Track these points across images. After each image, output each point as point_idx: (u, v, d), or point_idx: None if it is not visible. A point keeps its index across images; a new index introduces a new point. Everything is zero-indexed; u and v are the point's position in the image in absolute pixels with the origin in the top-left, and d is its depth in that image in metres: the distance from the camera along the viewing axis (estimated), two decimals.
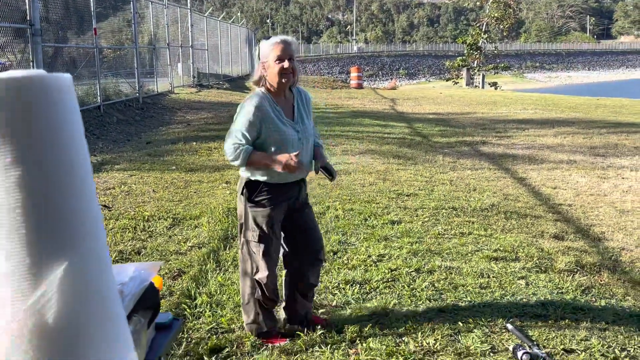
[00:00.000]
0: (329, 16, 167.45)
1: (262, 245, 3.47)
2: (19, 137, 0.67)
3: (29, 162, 0.67)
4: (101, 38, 15.03)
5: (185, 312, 3.95)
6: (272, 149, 3.36)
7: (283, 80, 3.37)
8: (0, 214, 0.68)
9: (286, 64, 3.32)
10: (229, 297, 4.16)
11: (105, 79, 15.09)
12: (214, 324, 3.79)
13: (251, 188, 3.46)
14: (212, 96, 21.33)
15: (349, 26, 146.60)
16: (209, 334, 3.67)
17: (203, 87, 23.68)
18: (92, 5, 13.81)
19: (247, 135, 3.32)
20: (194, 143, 11.22)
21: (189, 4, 23.94)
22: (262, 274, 3.49)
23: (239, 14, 42.30)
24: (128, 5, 16.97)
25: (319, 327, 3.70)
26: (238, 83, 29.12)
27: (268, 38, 3.39)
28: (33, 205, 0.68)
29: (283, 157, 3.27)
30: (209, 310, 3.96)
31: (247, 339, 3.58)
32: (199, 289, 4.33)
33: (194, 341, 3.58)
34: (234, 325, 3.78)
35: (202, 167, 9.02)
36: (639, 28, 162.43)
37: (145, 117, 15.05)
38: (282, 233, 3.62)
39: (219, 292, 4.26)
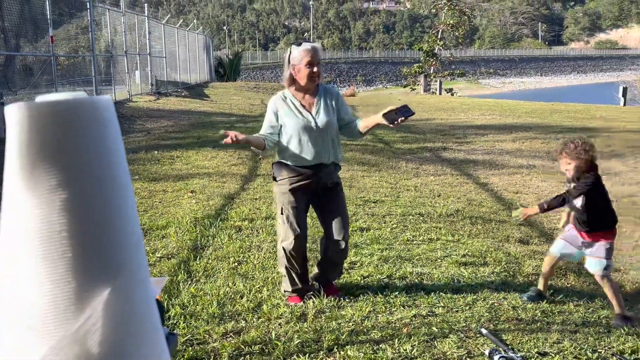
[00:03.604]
0: (286, 23, 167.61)
1: (283, 217, 4.10)
2: (65, 160, 0.66)
3: (74, 185, 0.66)
4: (56, 46, 14.76)
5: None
6: (290, 133, 4.02)
7: (311, 82, 4.01)
8: (45, 238, 0.67)
9: (315, 69, 3.96)
10: (203, 308, 4.11)
11: (63, 88, 14.82)
12: (189, 336, 3.74)
13: (275, 168, 4.19)
14: (171, 104, 21.13)
15: (306, 33, 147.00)
16: (185, 346, 3.62)
17: (162, 95, 23.43)
18: (48, 12, 13.56)
19: (268, 122, 4.09)
20: (156, 152, 11.09)
21: (146, 11, 23.68)
22: (285, 242, 4.11)
23: (195, 21, 41.99)
24: (84, 13, 16.71)
25: (331, 297, 4.24)
26: (197, 90, 28.89)
27: (299, 44, 3.99)
28: (79, 228, 0.67)
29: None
30: (183, 322, 3.91)
31: (224, 350, 3.55)
32: (171, 300, 4.27)
33: (173, 354, 3.53)
34: (209, 337, 3.74)
35: (165, 177, 8.92)
36: (589, 35, 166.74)
37: None
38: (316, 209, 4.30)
39: (192, 304, 4.21)
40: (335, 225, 4.20)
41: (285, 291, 4.30)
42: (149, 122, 16.07)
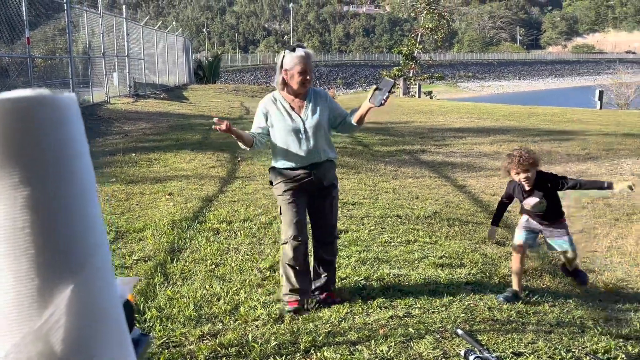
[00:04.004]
0: (266, 26, 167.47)
1: (283, 218, 4.19)
2: (27, 157, 0.66)
3: (36, 182, 0.66)
4: (33, 47, 14.61)
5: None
6: (277, 134, 4.13)
7: (303, 87, 4.12)
8: (8, 234, 0.67)
9: (308, 76, 4.08)
10: (179, 311, 4.10)
11: None
12: (165, 339, 3.72)
13: (271, 173, 4.28)
14: (149, 106, 21.01)
15: (285, 36, 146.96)
16: (161, 349, 3.61)
17: (140, 97, 23.29)
18: (24, 14, 13.42)
19: (257, 123, 4.20)
20: (133, 154, 11.02)
21: (124, 13, 23.54)
22: (284, 240, 4.18)
23: (174, 23, 41.77)
24: (61, 14, 16.57)
25: (330, 301, 4.27)
26: (176, 93, 28.75)
27: (293, 49, 4.06)
28: (41, 225, 0.67)
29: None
30: (160, 325, 3.89)
31: (200, 353, 3.54)
32: (147, 303, 4.25)
33: (145, 356, 3.51)
34: (185, 339, 3.72)
35: (143, 179, 8.87)
36: (566, 39, 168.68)
37: None
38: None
39: (168, 306, 4.19)
40: (325, 225, 4.32)
41: (284, 294, 4.25)
42: (127, 125, 15.97)
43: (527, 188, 4.49)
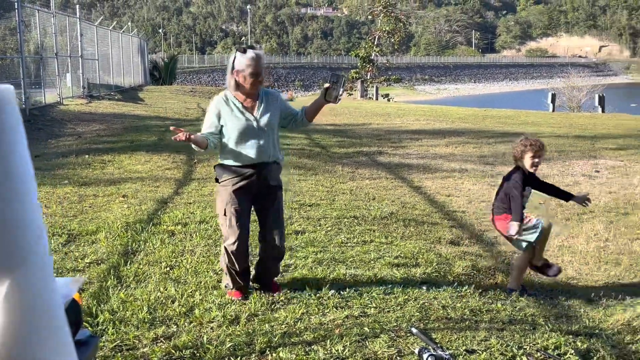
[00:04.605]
0: (223, 27, 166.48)
1: (225, 218, 4.22)
2: None
3: None
4: None
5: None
6: (230, 133, 4.17)
7: (254, 89, 4.20)
8: None
9: (260, 78, 4.16)
10: (133, 314, 4.03)
11: None
12: (118, 342, 3.66)
13: (217, 170, 4.31)
14: (103, 107, 20.69)
15: (243, 37, 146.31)
16: (114, 352, 3.55)
17: (94, 98, 22.90)
18: None
19: (209, 123, 4.22)
20: (87, 156, 10.83)
21: (78, 13, 23.13)
22: (227, 242, 4.24)
23: (129, 23, 41.24)
24: (12, 13, 16.19)
25: (273, 294, 4.37)
26: (131, 94, 28.36)
27: (244, 51, 4.10)
28: None
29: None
30: (112, 328, 3.83)
31: (154, 355, 3.49)
32: (100, 306, 4.17)
33: (94, 357, 3.45)
34: (139, 342, 3.67)
35: (96, 181, 8.73)
36: (520, 43, 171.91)
37: (33, 130, 14.39)
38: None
39: (121, 309, 4.12)
40: (272, 226, 4.37)
41: (226, 286, 4.43)
42: (80, 126, 15.70)
43: (532, 172, 4.86)
